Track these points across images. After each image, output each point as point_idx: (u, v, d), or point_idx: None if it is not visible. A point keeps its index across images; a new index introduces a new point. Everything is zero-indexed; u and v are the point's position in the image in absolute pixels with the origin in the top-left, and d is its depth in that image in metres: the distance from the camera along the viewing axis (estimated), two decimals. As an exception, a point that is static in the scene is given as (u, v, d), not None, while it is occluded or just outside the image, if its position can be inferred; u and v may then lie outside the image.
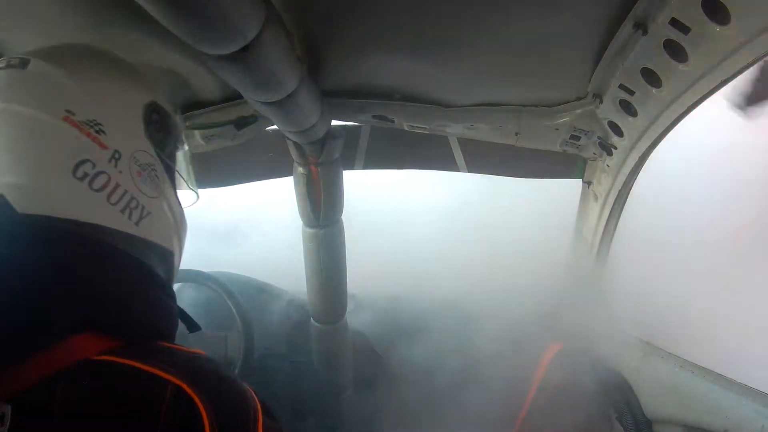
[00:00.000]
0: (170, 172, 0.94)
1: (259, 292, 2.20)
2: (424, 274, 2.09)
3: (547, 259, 1.85)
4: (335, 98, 1.53)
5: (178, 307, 0.87)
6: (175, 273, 0.93)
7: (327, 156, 1.69)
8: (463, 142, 1.77)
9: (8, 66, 0.81)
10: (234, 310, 1.96)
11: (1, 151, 0.76)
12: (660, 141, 1.41)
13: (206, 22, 0.82)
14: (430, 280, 2.07)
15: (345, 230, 1.89)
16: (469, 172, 1.83)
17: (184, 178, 1.04)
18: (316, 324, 2.00)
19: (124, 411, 0.65)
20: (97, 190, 0.77)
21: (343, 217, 1.87)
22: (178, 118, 1.02)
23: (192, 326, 0.93)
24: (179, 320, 0.88)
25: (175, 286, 2.12)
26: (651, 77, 1.19)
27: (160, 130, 0.91)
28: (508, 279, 1.86)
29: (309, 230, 1.85)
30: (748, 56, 1.01)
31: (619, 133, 1.45)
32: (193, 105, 1.58)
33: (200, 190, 1.18)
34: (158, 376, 0.67)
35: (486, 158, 1.79)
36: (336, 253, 1.90)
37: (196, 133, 1.63)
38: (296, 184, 1.79)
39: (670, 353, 1.60)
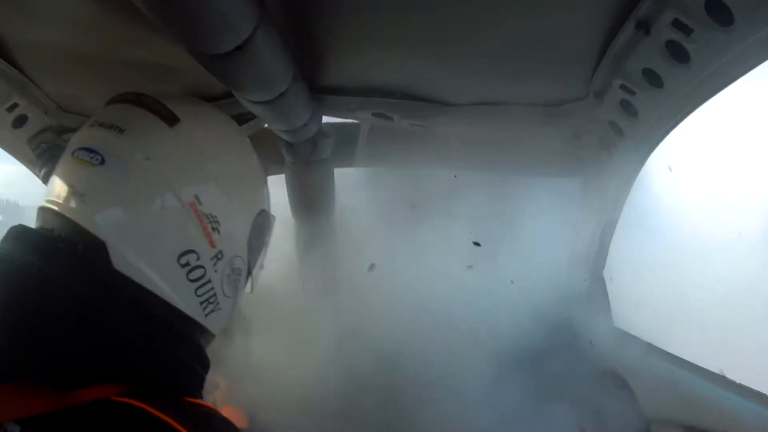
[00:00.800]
0: (248, 275, 0.96)
1: None
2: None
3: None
4: (333, 95, 1.51)
5: None
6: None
7: (318, 154, 1.69)
8: (463, 141, 1.75)
9: (154, 113, 0.84)
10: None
11: (122, 200, 0.78)
12: (661, 140, 1.40)
13: (199, 22, 0.81)
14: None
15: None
16: (467, 170, 1.83)
17: (252, 283, 1.04)
18: None
19: None
20: (191, 281, 0.81)
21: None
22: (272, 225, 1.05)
23: None
24: None
25: None
26: (652, 78, 1.18)
27: (258, 238, 0.94)
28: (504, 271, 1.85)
29: (301, 227, 1.86)
30: (751, 58, 1.00)
31: (620, 132, 1.44)
32: None
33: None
34: (172, 426, 0.69)
35: (485, 157, 1.78)
36: (328, 251, 1.90)
37: None
38: (288, 182, 1.78)
39: (669, 353, 1.60)
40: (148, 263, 0.77)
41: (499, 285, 1.79)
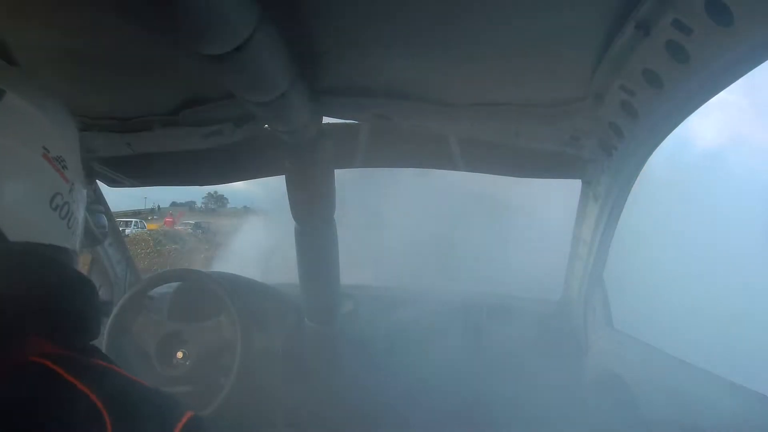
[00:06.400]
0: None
1: (259, 292, 2.19)
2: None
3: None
4: (334, 97, 1.51)
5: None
6: None
7: (319, 155, 1.68)
8: (463, 141, 1.75)
9: None
10: (232, 310, 1.95)
11: None
12: (661, 142, 1.39)
13: (199, 22, 0.82)
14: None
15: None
16: (468, 171, 1.82)
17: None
18: (310, 323, 2.01)
19: (42, 409, 0.75)
20: (63, 218, 0.92)
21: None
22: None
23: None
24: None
25: (175, 285, 2.15)
26: (652, 79, 1.18)
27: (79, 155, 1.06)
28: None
29: (302, 229, 1.85)
30: (751, 58, 1.00)
31: (620, 134, 1.44)
32: (192, 102, 1.57)
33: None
34: (82, 392, 0.77)
35: (485, 158, 1.78)
36: (329, 253, 1.89)
37: (195, 130, 1.62)
38: (288, 183, 1.77)
39: (668, 354, 1.59)
40: (35, 221, 0.88)
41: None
